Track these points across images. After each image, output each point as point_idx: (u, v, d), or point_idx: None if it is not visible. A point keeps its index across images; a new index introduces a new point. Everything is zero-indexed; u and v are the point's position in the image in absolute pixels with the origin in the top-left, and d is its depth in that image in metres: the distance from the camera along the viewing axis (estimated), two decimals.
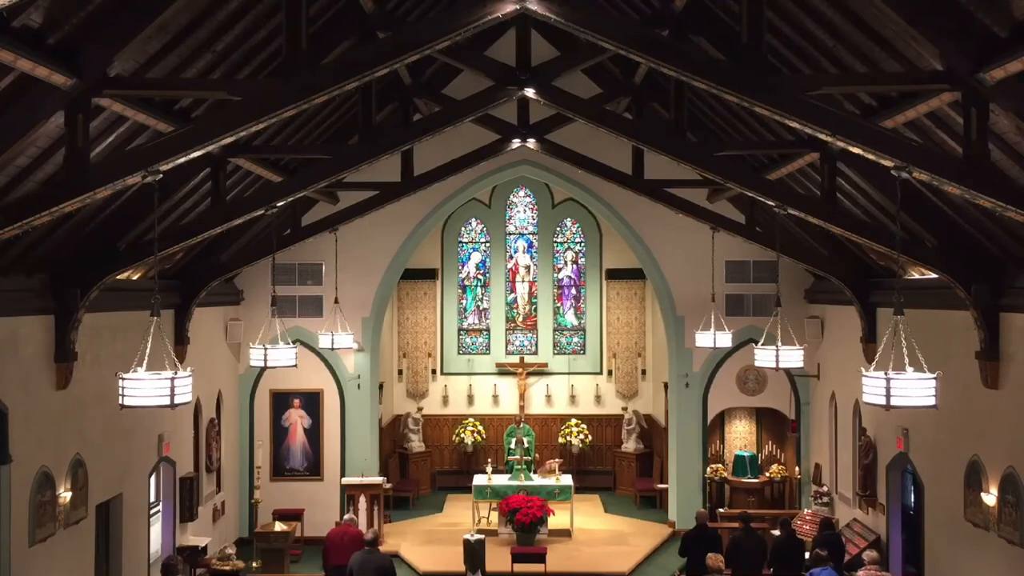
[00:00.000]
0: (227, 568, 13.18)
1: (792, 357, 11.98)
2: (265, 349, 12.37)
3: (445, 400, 22.05)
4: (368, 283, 17.91)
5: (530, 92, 10.62)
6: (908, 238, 11.51)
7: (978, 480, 11.20)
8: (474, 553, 14.45)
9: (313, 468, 17.81)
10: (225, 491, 16.82)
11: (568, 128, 13.68)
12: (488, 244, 22.60)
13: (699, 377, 17.99)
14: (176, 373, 7.23)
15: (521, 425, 20.66)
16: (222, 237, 13.79)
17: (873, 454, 14.56)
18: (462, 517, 18.33)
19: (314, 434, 17.86)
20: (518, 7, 7.47)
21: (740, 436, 18.74)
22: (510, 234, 22.67)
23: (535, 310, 22.58)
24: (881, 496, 14.47)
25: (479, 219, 22.55)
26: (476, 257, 22.66)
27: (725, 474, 18.06)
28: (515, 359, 21.90)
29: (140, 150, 8.50)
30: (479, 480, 18.20)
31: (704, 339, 14.51)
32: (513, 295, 22.70)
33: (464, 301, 22.66)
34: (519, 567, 15.08)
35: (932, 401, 7.32)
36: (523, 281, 22.69)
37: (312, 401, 17.86)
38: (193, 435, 15.37)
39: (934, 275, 11.56)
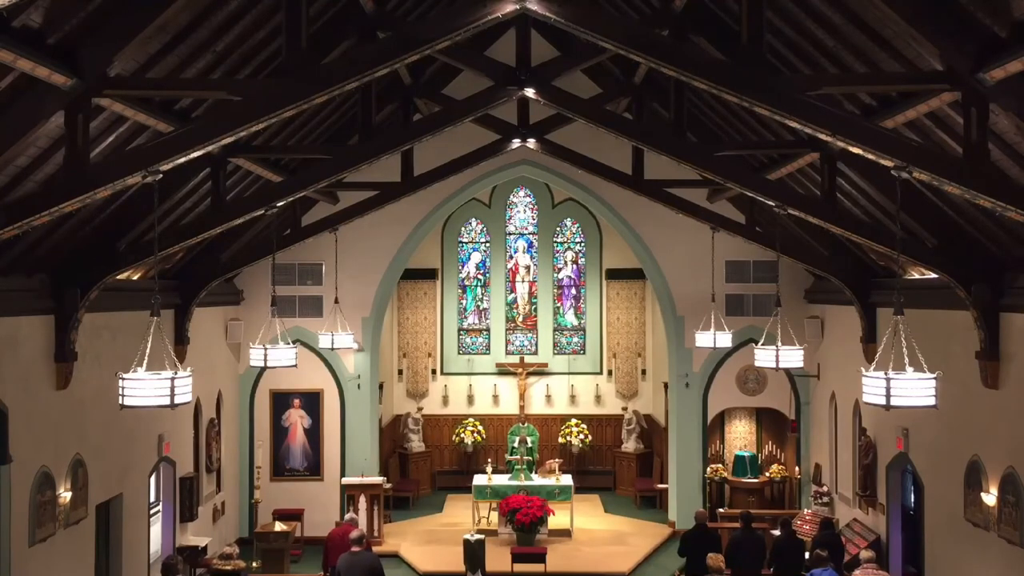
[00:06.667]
0: (228, 568, 13.14)
1: (792, 357, 11.98)
2: (265, 349, 12.36)
3: (445, 400, 22.06)
4: (368, 283, 17.91)
5: (530, 92, 10.62)
6: (908, 238, 11.50)
7: (978, 480, 11.20)
8: (474, 553, 14.45)
9: (313, 468, 17.81)
10: (225, 491, 16.82)
11: (568, 128, 13.68)
12: (488, 244, 22.61)
13: (699, 377, 17.99)
14: (176, 373, 7.23)
15: (525, 424, 20.66)
16: (222, 237, 13.78)
17: (873, 454, 14.56)
18: (462, 517, 18.33)
19: (314, 434, 17.86)
20: (518, 7, 7.47)
21: (740, 436, 18.74)
22: (510, 234, 22.67)
23: (535, 310, 22.59)
24: (881, 496, 14.47)
25: (479, 219, 22.56)
26: (476, 257, 22.67)
27: (725, 474, 18.06)
28: (515, 359, 21.90)
29: (140, 150, 8.51)
30: (479, 480, 18.20)
31: (704, 339, 14.51)
32: (513, 295, 22.70)
33: (464, 301, 22.67)
34: (519, 567, 15.08)
35: (932, 401, 7.33)
36: (523, 281, 22.69)
37: (312, 401, 17.86)
38: (193, 435, 15.37)
39: (934, 275, 11.56)
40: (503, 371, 21.88)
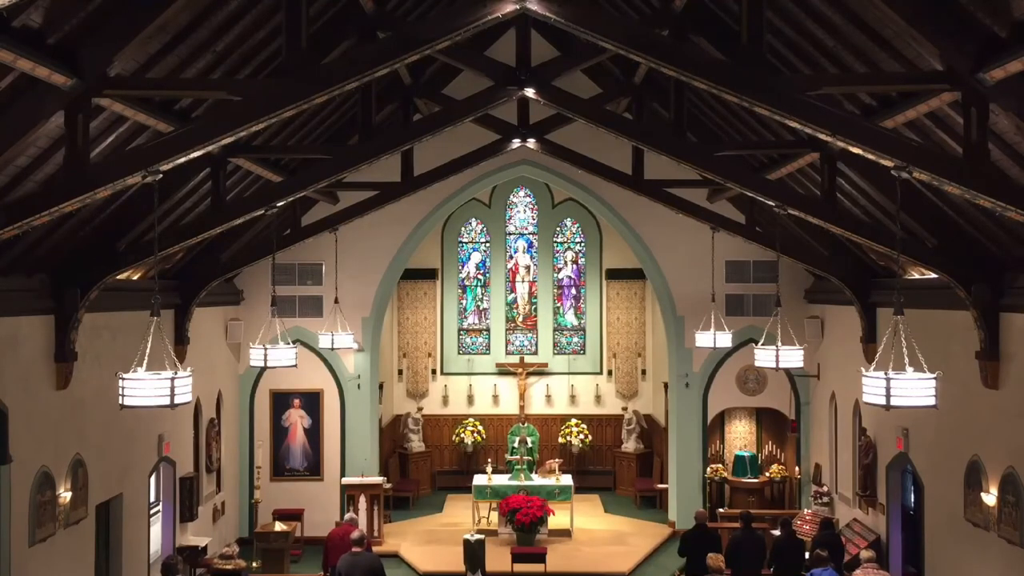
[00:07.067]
0: (229, 567, 13.16)
1: (792, 357, 11.98)
2: (265, 349, 12.36)
3: (445, 400, 22.06)
4: (368, 283, 17.91)
5: (530, 92, 10.62)
6: (908, 238, 11.51)
7: (978, 480, 11.20)
8: (474, 553, 14.45)
9: (313, 468, 17.81)
10: (225, 491, 16.82)
11: (568, 128, 13.68)
12: (488, 244, 22.61)
13: (699, 377, 17.99)
14: (176, 373, 7.22)
15: (525, 424, 20.65)
16: (222, 237, 13.78)
17: (873, 454, 14.56)
18: (462, 517, 18.33)
19: (314, 434, 17.86)
20: (518, 7, 7.47)
21: (740, 436, 18.74)
22: (510, 234, 22.67)
23: (535, 310, 22.59)
24: (881, 496, 14.47)
25: (479, 219, 22.56)
26: (476, 257, 22.67)
27: (725, 474, 18.06)
28: (515, 359, 21.90)
29: (140, 150, 8.51)
30: (479, 480, 18.20)
31: (704, 339, 14.51)
32: (513, 295, 22.70)
33: (464, 301, 22.67)
34: (519, 567, 15.08)
35: (932, 401, 7.32)
36: (523, 281, 22.69)
37: (312, 401, 17.86)
38: (193, 435, 15.37)
39: (934, 275, 11.56)
40: (503, 371, 21.88)
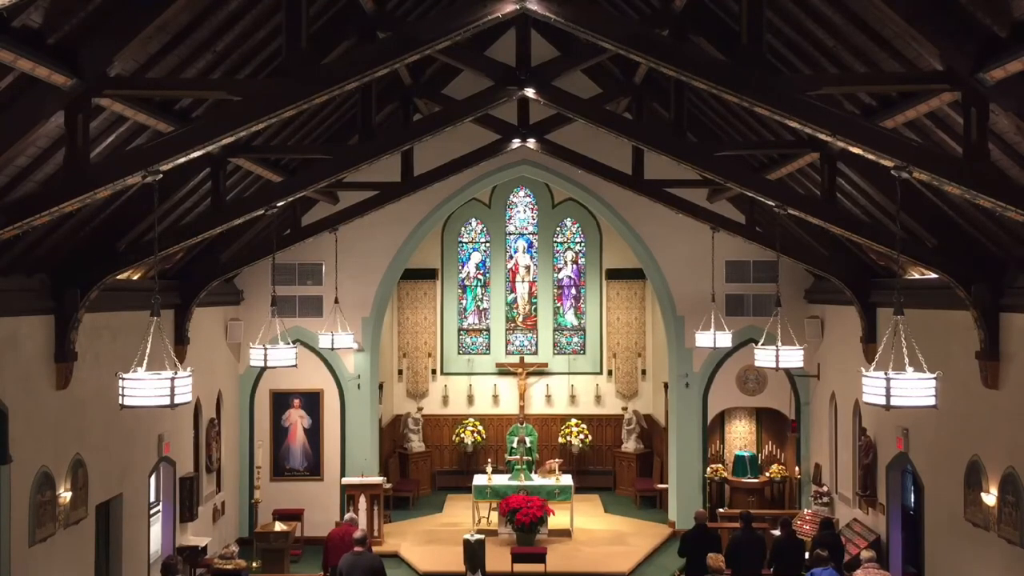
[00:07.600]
0: (230, 567, 13.17)
1: (792, 357, 11.99)
2: (265, 349, 12.36)
3: (445, 400, 22.06)
4: (368, 283, 17.91)
5: (530, 92, 10.62)
6: (908, 238, 11.51)
7: (978, 480, 11.20)
8: (474, 553, 14.45)
9: (313, 468, 17.81)
10: (225, 491, 16.82)
11: (568, 128, 13.68)
12: (488, 244, 22.61)
13: (699, 377, 17.99)
14: (176, 373, 7.22)
15: (523, 424, 20.65)
16: (222, 237, 13.79)
17: (873, 454, 14.56)
18: (462, 517, 18.33)
19: (314, 434, 17.86)
20: (518, 7, 7.47)
21: (740, 436, 18.74)
22: (510, 234, 22.67)
23: (535, 310, 22.59)
24: (881, 496, 14.47)
25: (479, 219, 22.56)
26: (476, 257, 22.67)
27: (725, 474, 18.06)
28: (515, 359, 21.90)
29: (140, 150, 8.51)
30: (479, 480, 18.20)
31: (704, 339, 14.51)
32: (513, 295, 22.70)
33: (464, 301, 22.67)
34: (519, 567, 15.08)
35: (932, 401, 7.33)
36: (523, 281, 22.69)
37: (312, 401, 17.87)
38: (193, 435, 15.37)
39: (934, 275, 11.57)
40: (503, 371, 21.87)
